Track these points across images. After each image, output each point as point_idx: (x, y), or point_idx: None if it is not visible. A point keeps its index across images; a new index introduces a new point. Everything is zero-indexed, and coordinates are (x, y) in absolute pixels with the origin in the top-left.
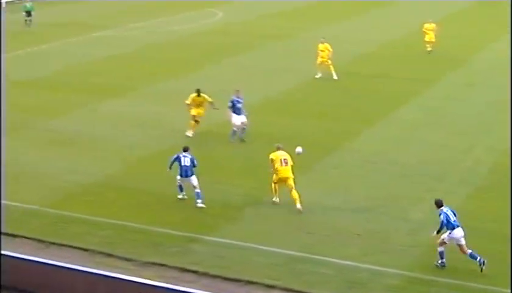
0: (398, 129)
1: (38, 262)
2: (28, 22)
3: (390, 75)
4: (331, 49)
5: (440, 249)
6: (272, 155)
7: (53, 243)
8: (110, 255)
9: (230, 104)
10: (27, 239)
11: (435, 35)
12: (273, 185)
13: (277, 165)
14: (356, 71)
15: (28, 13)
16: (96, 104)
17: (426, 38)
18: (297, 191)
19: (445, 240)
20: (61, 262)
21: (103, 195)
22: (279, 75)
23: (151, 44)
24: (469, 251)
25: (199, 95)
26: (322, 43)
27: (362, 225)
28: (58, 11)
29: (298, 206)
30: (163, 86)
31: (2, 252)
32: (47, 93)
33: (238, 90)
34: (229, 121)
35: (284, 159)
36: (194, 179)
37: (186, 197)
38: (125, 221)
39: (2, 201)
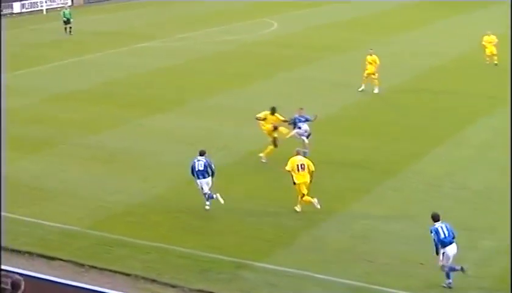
0: (465, 150)
1: (77, 286)
2: (68, 30)
3: (456, 91)
4: (378, 62)
5: (445, 269)
6: (290, 160)
7: (94, 267)
8: (153, 281)
9: (290, 121)
10: (65, 262)
11: (496, 48)
12: (305, 198)
13: (293, 170)
14: (420, 86)
15: (67, 21)
16: (142, 119)
17: (487, 52)
18: (309, 197)
19: (443, 263)
20: (102, 287)
21: (148, 216)
22: (337, 90)
23: (201, 55)
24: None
25: (273, 114)
26: (370, 54)
27: (425, 254)
28: (101, 19)
29: (316, 203)
30: (214, 101)
31: (38, 275)
32: (89, 106)
33: (301, 109)
34: (288, 139)
35: (301, 164)
36: (207, 182)
37: (222, 201)
38: (170, 245)
39: (46, 222)
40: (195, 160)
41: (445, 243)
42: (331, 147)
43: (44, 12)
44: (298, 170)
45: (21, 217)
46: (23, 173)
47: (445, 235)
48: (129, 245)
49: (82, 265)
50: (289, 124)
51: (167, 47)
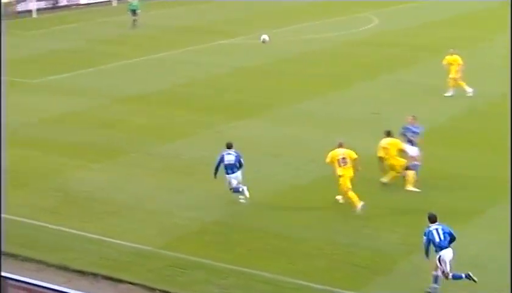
0: None
1: None
2: (134, 22)
3: None
4: (461, 62)
5: (435, 273)
6: (330, 152)
7: (166, 292)
8: None
9: (401, 131)
10: (134, 285)
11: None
12: (349, 193)
13: (335, 164)
14: None
15: (134, 12)
16: (221, 126)
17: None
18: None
19: (442, 269)
20: None
21: (227, 235)
22: (445, 97)
23: (289, 55)
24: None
25: (388, 136)
26: (451, 54)
27: None
28: (177, 13)
29: (360, 206)
30: (303, 107)
31: None
32: (163, 110)
33: (413, 116)
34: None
35: (343, 158)
36: (237, 176)
37: (244, 200)
38: (251, 269)
39: (113, 240)
40: (224, 154)
41: (441, 247)
42: (441, 163)
43: (115, 3)
44: (340, 165)
45: (84, 233)
46: (87, 184)
47: (440, 238)
48: (205, 268)
49: (153, 290)
50: (399, 135)
51: (250, 45)
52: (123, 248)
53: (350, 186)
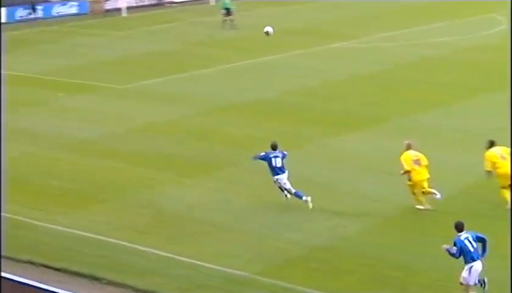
0: None
1: None
2: (228, 22)
3: None
4: None
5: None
6: (402, 157)
7: None
8: None
9: None
10: None
11: None
12: (410, 189)
13: (409, 167)
14: None
15: (227, 12)
16: (330, 139)
17: None
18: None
19: (465, 278)
20: None
21: (335, 262)
22: None
23: (407, 60)
24: None
25: (491, 146)
26: None
27: None
28: (277, 13)
29: (436, 194)
30: (422, 119)
31: None
32: (266, 120)
33: None
34: None
35: (417, 160)
36: (288, 176)
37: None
38: None
39: (205, 264)
40: (271, 156)
41: (473, 258)
42: None
43: (212, 2)
44: (414, 167)
45: (173, 256)
46: (178, 201)
47: (473, 247)
48: None
49: None
50: None
51: (366, 50)
52: (215, 273)
53: (426, 185)
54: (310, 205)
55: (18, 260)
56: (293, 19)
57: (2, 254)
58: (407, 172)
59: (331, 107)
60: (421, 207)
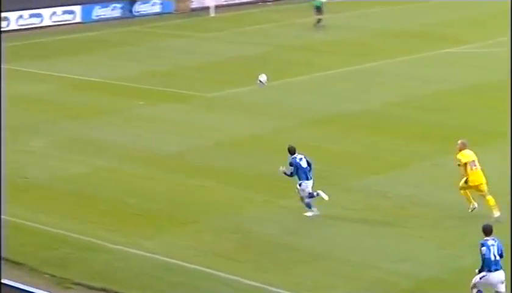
0: None
1: None
2: (319, 22)
3: None
4: None
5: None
6: (459, 156)
7: None
8: None
9: None
10: None
11: None
12: (462, 191)
13: (467, 168)
14: None
15: (319, 10)
16: (442, 157)
17: None
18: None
19: (476, 284)
20: None
21: None
22: None
23: None
24: None
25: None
26: None
27: None
28: (377, 14)
29: (496, 214)
30: None
31: None
32: (367, 135)
33: None
34: None
35: (473, 161)
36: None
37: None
38: None
39: None
40: (297, 160)
41: (490, 269)
42: None
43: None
44: (472, 168)
45: (265, 286)
46: (272, 225)
47: (495, 257)
48: None
49: None
50: None
51: (483, 56)
52: None
53: (486, 189)
54: (326, 197)
55: (91, 288)
56: (393, 20)
57: (74, 279)
58: (464, 167)
59: (443, 121)
60: (473, 206)
